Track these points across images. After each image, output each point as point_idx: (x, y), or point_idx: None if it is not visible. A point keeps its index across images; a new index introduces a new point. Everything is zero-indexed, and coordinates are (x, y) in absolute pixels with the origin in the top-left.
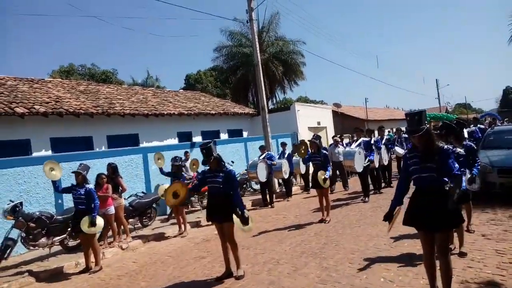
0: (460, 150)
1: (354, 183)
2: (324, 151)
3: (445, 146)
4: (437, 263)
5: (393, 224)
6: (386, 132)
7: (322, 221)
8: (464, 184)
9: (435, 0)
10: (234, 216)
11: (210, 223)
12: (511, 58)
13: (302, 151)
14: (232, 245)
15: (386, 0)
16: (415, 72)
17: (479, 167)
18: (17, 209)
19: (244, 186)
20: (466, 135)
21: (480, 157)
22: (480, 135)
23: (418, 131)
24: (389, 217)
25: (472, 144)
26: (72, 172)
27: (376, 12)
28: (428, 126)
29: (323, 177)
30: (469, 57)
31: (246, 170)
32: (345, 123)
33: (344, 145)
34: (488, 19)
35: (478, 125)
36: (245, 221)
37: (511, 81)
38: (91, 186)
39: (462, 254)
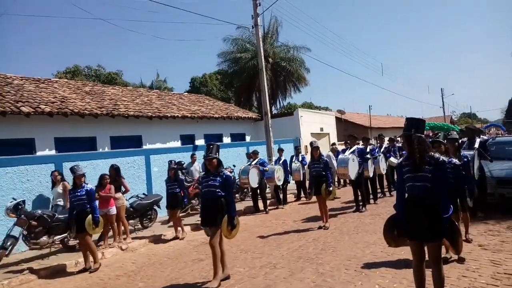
0: (455, 161)
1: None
2: (325, 158)
3: (441, 158)
4: (429, 272)
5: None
6: (385, 140)
7: (321, 227)
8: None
9: (442, 12)
10: (224, 220)
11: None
12: None
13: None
14: (212, 248)
15: (395, 12)
16: (420, 81)
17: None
18: (20, 207)
19: (245, 190)
20: (477, 144)
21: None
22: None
23: (404, 134)
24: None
25: (468, 156)
26: (77, 175)
27: (383, 22)
28: (415, 133)
29: (327, 190)
30: (475, 67)
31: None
32: (348, 130)
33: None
34: (495, 30)
35: (481, 136)
36: (232, 227)
37: None
38: (90, 186)
39: (460, 259)
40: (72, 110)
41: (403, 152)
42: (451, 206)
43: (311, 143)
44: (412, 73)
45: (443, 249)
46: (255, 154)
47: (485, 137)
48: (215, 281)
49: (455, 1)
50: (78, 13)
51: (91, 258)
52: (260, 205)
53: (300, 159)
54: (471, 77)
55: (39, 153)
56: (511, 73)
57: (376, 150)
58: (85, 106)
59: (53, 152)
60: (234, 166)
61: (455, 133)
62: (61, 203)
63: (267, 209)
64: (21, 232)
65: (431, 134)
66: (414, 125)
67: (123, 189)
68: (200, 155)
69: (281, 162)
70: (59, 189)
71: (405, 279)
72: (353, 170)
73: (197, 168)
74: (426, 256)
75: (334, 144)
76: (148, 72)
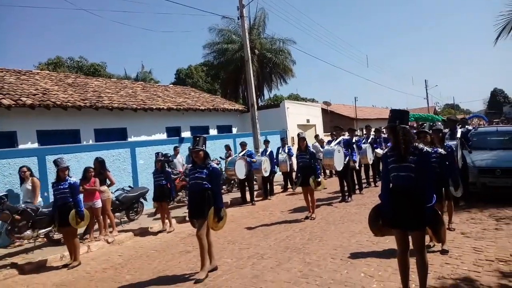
0: (441, 151)
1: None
2: (312, 149)
3: (425, 149)
4: (413, 260)
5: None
6: (372, 131)
7: (307, 217)
8: (433, 201)
9: (426, 5)
10: (210, 211)
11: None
12: (498, 60)
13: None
14: (199, 240)
15: (381, 5)
16: (404, 73)
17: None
18: (2, 201)
19: (232, 182)
20: (459, 134)
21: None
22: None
23: (389, 125)
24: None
25: (452, 146)
26: (60, 168)
27: (369, 15)
28: (399, 124)
29: (315, 181)
30: (458, 59)
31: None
32: (334, 121)
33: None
34: (476, 22)
35: (466, 127)
36: (219, 219)
37: (499, 83)
38: (74, 179)
39: (444, 252)
40: (54, 103)
41: (389, 144)
42: (435, 195)
43: (298, 134)
44: (396, 65)
45: (427, 238)
46: (243, 145)
47: (469, 127)
48: (202, 272)
49: None
50: (60, 4)
51: (81, 251)
52: (248, 196)
53: (286, 150)
54: (454, 68)
55: (21, 146)
56: (493, 65)
57: (363, 141)
58: (68, 98)
59: (35, 145)
60: (221, 158)
61: (439, 123)
62: (31, 200)
63: (254, 201)
64: (4, 226)
65: (415, 125)
66: (398, 116)
67: (108, 182)
68: (185, 147)
69: (267, 153)
70: (28, 185)
71: (389, 267)
72: (338, 161)
73: (180, 161)
74: (411, 245)
75: (317, 136)
76: (133, 64)
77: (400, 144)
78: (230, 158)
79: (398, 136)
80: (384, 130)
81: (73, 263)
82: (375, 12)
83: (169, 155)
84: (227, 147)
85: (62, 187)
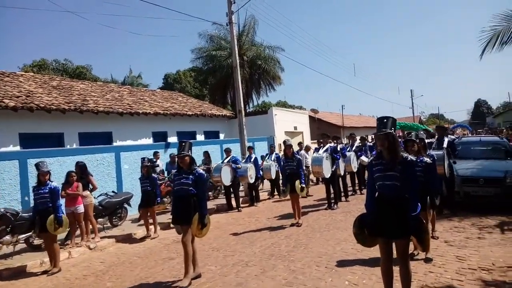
0: (427, 159)
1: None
2: (298, 156)
3: (409, 158)
4: (397, 269)
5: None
6: (357, 139)
7: (293, 224)
8: (418, 209)
9: (411, 14)
10: (194, 218)
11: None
12: (482, 72)
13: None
14: (185, 247)
15: (370, 17)
16: (391, 82)
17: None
18: None
19: (218, 188)
20: (446, 144)
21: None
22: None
23: (380, 132)
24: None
25: (434, 155)
26: (41, 172)
27: (357, 24)
28: (392, 131)
29: (300, 186)
30: (443, 70)
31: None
32: (322, 129)
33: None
34: (462, 34)
35: (449, 136)
36: (203, 226)
37: (483, 94)
38: (55, 184)
39: (427, 260)
40: (38, 105)
41: (373, 152)
42: (419, 204)
43: (284, 142)
44: (383, 74)
45: (411, 246)
46: (228, 152)
47: (452, 137)
48: (186, 280)
49: (422, 8)
50: (47, 5)
51: (61, 257)
52: (234, 203)
53: (273, 158)
54: (439, 79)
55: (2, 149)
56: (478, 76)
57: (348, 149)
58: (52, 101)
59: (17, 148)
60: (204, 164)
61: (421, 132)
62: None
63: (240, 207)
64: None
65: (400, 134)
66: (384, 122)
67: (90, 186)
68: (167, 153)
69: (251, 160)
70: None
71: (374, 275)
72: (327, 169)
73: (159, 166)
74: (394, 253)
75: (300, 143)
76: (121, 69)
77: (393, 152)
78: (215, 165)
79: (394, 143)
80: (370, 137)
81: (53, 270)
82: (367, 24)
83: (154, 160)
84: (206, 154)
85: (42, 191)
